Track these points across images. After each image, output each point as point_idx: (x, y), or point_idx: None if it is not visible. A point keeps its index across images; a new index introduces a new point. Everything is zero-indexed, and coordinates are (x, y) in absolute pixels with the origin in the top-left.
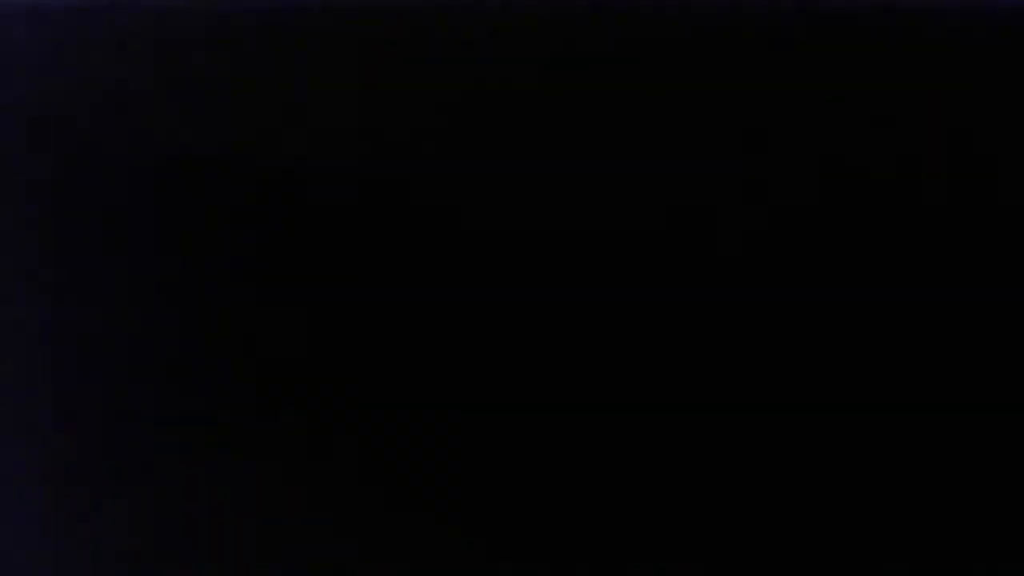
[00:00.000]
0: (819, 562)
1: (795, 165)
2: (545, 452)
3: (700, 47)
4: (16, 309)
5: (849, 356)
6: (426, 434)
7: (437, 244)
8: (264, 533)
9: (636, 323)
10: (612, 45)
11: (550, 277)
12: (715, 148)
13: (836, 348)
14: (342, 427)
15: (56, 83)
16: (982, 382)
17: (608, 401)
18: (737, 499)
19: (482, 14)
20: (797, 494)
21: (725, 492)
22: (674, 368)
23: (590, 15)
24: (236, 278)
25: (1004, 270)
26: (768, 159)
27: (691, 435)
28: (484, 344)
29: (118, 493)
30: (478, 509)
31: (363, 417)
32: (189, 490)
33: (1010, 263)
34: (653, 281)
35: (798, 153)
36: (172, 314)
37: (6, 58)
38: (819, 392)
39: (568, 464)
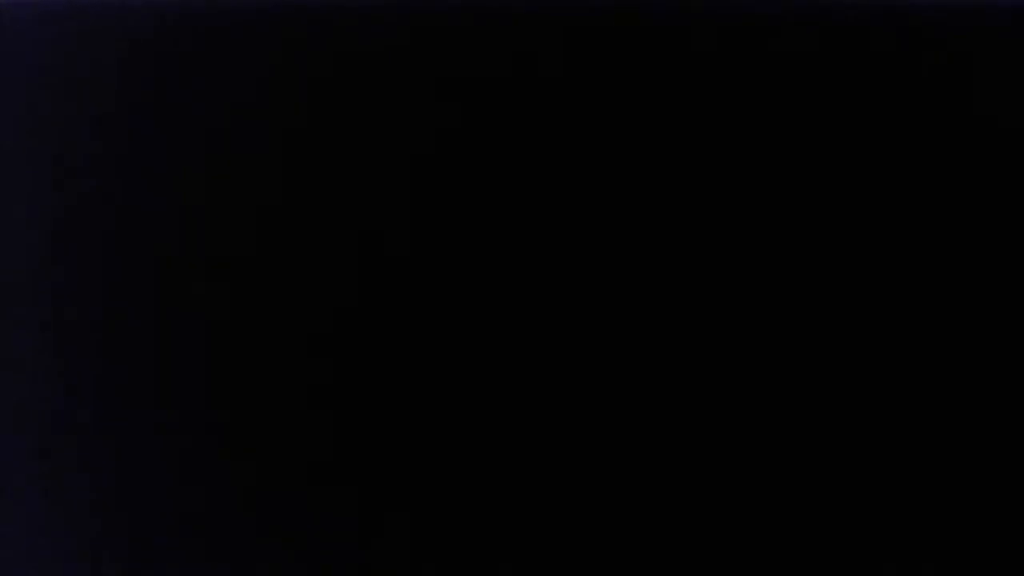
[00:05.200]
0: (819, 562)
1: (794, 166)
2: (545, 452)
3: (699, 47)
4: (16, 309)
5: (848, 356)
6: (426, 435)
7: (435, 250)
8: (264, 533)
9: (633, 323)
10: (613, 44)
11: (548, 276)
12: (714, 148)
13: (835, 348)
14: (342, 427)
15: (56, 83)
16: (982, 382)
17: (607, 402)
18: (736, 499)
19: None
20: (796, 495)
21: (724, 493)
22: (673, 368)
23: (588, 16)
24: (236, 279)
25: (1004, 270)
26: (768, 160)
27: (691, 435)
28: (481, 343)
29: (118, 493)
30: (478, 509)
31: (362, 418)
32: (189, 490)
33: (1010, 263)
34: (651, 281)
35: (797, 154)
36: (172, 314)
37: (6, 58)
38: (818, 392)
39: (567, 465)
